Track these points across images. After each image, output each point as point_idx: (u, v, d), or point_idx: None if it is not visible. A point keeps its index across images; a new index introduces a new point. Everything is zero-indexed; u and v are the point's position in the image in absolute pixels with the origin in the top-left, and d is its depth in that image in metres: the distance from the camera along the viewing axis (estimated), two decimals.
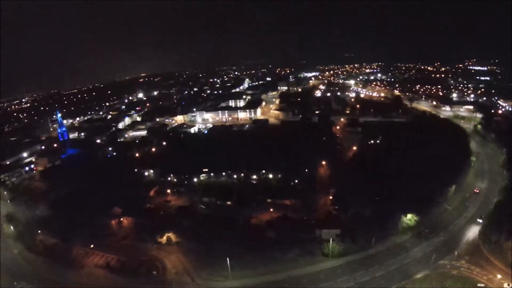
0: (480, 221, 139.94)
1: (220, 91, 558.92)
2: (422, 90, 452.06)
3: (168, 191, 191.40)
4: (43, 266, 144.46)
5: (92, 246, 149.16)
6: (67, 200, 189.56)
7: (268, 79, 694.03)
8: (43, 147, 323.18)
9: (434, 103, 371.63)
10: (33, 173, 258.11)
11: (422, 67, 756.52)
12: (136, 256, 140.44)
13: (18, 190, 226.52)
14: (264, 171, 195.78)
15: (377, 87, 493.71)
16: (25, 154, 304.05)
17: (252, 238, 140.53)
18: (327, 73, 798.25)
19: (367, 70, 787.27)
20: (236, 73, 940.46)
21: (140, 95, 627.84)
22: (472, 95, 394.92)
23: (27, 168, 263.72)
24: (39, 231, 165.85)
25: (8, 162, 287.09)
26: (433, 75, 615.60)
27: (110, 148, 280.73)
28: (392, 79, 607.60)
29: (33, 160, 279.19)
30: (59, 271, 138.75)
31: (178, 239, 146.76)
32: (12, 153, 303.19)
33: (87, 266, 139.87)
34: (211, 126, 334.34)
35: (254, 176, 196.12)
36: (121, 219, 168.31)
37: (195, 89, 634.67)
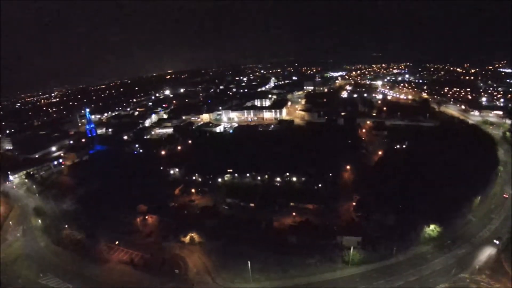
0: (497, 242, 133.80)
1: (245, 90, 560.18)
2: (450, 93, 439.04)
3: (193, 190, 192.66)
4: (69, 259, 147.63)
5: (117, 242, 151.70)
6: (93, 195, 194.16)
7: (294, 78, 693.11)
8: (71, 142, 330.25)
9: (463, 107, 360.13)
10: (61, 168, 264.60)
11: (451, 68, 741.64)
12: (160, 254, 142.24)
13: (46, 184, 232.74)
14: (288, 174, 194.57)
15: (404, 89, 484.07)
16: (53, 148, 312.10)
17: (273, 242, 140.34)
18: (353, 73, 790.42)
19: (395, 71, 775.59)
20: (262, 71, 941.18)
21: (167, 92, 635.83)
22: (502, 100, 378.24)
23: (55, 162, 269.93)
24: (66, 226, 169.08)
25: (37, 156, 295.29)
26: (462, 77, 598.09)
27: (136, 145, 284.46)
28: (420, 81, 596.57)
29: (62, 154, 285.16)
30: (84, 265, 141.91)
31: (201, 239, 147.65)
32: (41, 146, 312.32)
33: (112, 261, 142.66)
34: (236, 125, 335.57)
35: (278, 179, 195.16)
36: (146, 217, 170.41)
37: (221, 87, 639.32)
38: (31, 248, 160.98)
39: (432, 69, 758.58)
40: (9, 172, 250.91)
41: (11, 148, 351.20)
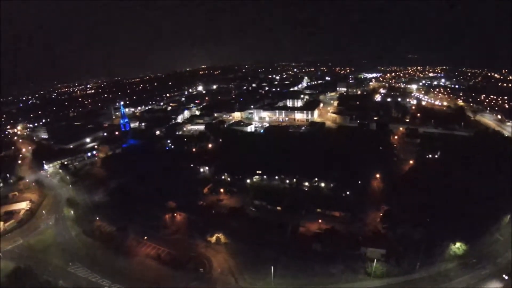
0: (506, 277, 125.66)
1: (278, 89, 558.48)
2: (487, 101, 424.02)
3: (221, 190, 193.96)
4: (98, 250, 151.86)
5: (145, 238, 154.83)
6: (125, 188, 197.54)
7: (327, 78, 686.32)
8: (105, 134, 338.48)
9: (499, 116, 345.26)
10: (95, 159, 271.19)
11: (489, 74, 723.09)
12: (186, 251, 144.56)
13: (80, 175, 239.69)
14: (316, 179, 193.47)
15: (440, 94, 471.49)
16: (87, 140, 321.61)
17: (298, 248, 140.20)
18: (388, 75, 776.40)
19: (431, 74, 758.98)
20: (295, 70, 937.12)
21: (200, 88, 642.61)
22: None
23: (89, 154, 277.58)
24: (97, 218, 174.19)
25: (71, 146, 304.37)
26: (499, 84, 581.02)
27: (168, 141, 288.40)
28: (457, 86, 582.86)
29: (95, 146, 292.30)
30: (113, 257, 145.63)
31: (226, 240, 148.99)
32: (76, 137, 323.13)
33: (140, 255, 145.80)
34: (267, 125, 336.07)
35: (306, 183, 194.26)
36: (175, 214, 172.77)
37: (253, 85, 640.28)
38: (63, 237, 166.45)
39: (469, 74, 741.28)
40: (44, 162, 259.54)
41: (47, 137, 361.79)
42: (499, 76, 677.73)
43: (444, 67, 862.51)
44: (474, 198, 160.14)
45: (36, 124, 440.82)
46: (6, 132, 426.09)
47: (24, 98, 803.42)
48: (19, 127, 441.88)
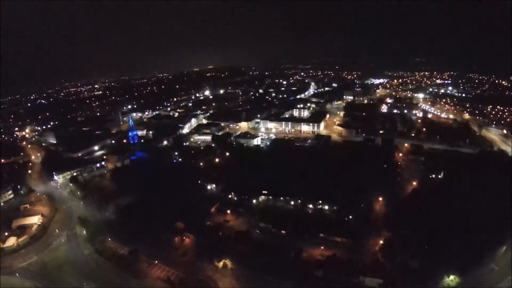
0: None
1: (285, 95, 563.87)
2: (493, 112, 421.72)
3: (228, 211, 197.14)
4: (111, 271, 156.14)
5: (156, 262, 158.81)
6: (134, 206, 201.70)
7: (334, 85, 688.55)
8: (113, 142, 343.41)
9: (504, 131, 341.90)
10: (104, 171, 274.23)
11: (496, 81, 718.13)
12: (194, 274, 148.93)
13: (89, 188, 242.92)
14: (320, 201, 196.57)
15: (446, 105, 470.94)
16: (96, 147, 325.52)
17: (300, 274, 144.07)
18: (395, 81, 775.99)
19: (438, 81, 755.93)
20: (302, 73, 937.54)
21: (207, 92, 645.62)
22: None
23: (98, 165, 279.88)
24: (109, 238, 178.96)
25: (80, 154, 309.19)
26: (507, 93, 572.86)
27: (176, 153, 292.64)
28: (463, 95, 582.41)
29: (104, 157, 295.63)
30: (125, 279, 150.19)
31: (233, 265, 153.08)
32: (84, 145, 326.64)
33: (150, 277, 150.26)
34: (274, 137, 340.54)
35: (311, 205, 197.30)
36: (184, 237, 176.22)
37: (260, 90, 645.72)
38: (75, 255, 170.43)
39: (476, 80, 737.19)
40: (54, 172, 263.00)
41: (55, 142, 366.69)
42: (506, 84, 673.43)
43: (452, 73, 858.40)
44: (473, 225, 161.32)
45: (44, 127, 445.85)
46: (15, 135, 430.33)
47: (32, 97, 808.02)
48: (27, 130, 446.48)
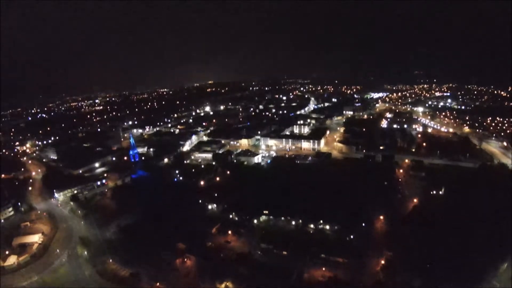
0: None
1: (285, 111, 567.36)
2: (493, 124, 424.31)
3: (229, 232, 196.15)
4: None
5: (158, 284, 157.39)
6: (135, 226, 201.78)
7: (334, 100, 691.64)
8: (113, 158, 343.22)
9: (504, 144, 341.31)
10: (105, 189, 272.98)
11: (495, 92, 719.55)
12: None
13: (90, 207, 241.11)
14: (322, 221, 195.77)
15: (446, 119, 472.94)
16: (96, 164, 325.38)
17: None
18: (394, 94, 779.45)
19: (437, 94, 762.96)
20: (301, 88, 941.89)
21: (207, 108, 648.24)
22: None
23: (98, 183, 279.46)
24: (110, 259, 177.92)
25: (80, 171, 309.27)
26: (506, 103, 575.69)
27: (177, 171, 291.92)
28: (463, 107, 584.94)
29: (105, 175, 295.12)
30: None
31: (235, 287, 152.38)
32: (85, 162, 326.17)
33: None
34: (274, 154, 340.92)
35: (312, 225, 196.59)
36: (185, 259, 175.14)
37: (260, 106, 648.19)
38: (76, 276, 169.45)
39: (475, 92, 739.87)
40: (54, 190, 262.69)
41: (56, 158, 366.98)
42: (505, 94, 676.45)
43: (451, 84, 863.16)
44: (475, 242, 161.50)
45: (45, 142, 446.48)
46: (15, 150, 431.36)
47: (33, 111, 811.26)
48: (28, 145, 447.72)
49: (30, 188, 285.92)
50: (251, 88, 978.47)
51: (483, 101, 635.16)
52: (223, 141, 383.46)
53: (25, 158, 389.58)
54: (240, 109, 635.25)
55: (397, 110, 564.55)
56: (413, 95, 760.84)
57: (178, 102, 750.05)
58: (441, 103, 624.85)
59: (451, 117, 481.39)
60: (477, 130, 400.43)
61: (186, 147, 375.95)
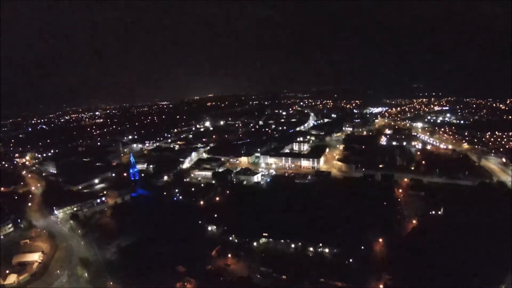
0: None
1: (284, 127, 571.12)
2: (492, 139, 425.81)
3: (229, 255, 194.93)
4: None
5: None
6: (135, 248, 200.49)
7: (333, 115, 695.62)
8: (113, 175, 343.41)
9: (503, 160, 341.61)
10: (104, 207, 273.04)
11: (494, 105, 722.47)
12: None
13: (90, 225, 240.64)
14: (321, 244, 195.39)
15: (445, 135, 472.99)
16: (96, 181, 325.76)
17: None
18: (394, 109, 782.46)
19: (436, 108, 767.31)
20: (301, 103, 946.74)
21: (207, 123, 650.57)
22: None
23: (98, 201, 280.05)
24: (111, 282, 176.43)
25: (80, 187, 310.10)
26: (504, 117, 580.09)
27: (176, 190, 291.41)
28: (462, 121, 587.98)
29: (105, 192, 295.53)
30: None
31: None
32: (85, 178, 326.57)
33: None
34: (274, 173, 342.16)
35: (311, 248, 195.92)
36: (186, 283, 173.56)
37: (260, 122, 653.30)
38: None
39: (474, 105, 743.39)
40: (54, 207, 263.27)
41: (55, 172, 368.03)
42: (504, 107, 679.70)
43: (450, 98, 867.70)
44: (474, 262, 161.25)
45: (44, 155, 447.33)
46: (15, 162, 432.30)
47: (33, 122, 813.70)
48: (27, 157, 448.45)
49: (29, 204, 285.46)
50: (251, 102, 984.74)
51: (482, 114, 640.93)
52: (222, 159, 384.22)
53: (24, 171, 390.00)
54: (240, 125, 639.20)
55: (396, 127, 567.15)
56: (412, 110, 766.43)
57: (178, 117, 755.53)
58: (440, 118, 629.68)
59: (450, 132, 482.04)
60: (476, 146, 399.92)
61: (186, 164, 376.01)
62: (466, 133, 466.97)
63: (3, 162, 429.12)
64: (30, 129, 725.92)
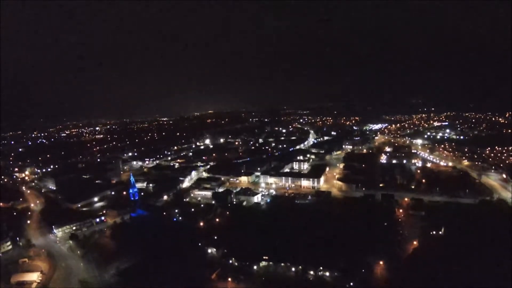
0: None
1: (284, 145, 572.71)
2: (492, 155, 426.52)
3: (229, 278, 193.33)
4: None
5: None
6: (135, 271, 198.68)
7: (333, 133, 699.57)
8: (112, 193, 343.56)
9: (504, 176, 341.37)
10: (103, 227, 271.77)
11: (493, 119, 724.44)
12: None
13: (89, 245, 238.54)
14: (321, 268, 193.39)
15: (445, 152, 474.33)
16: (95, 199, 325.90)
17: None
18: (393, 126, 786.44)
19: (435, 123, 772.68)
20: (301, 120, 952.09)
21: (207, 141, 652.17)
22: None
23: (98, 220, 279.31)
24: None
25: (79, 205, 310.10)
26: (504, 131, 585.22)
27: (176, 210, 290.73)
28: (461, 137, 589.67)
29: (104, 211, 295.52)
30: None
31: None
32: (84, 196, 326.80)
33: None
34: (274, 192, 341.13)
35: (311, 272, 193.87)
36: None
37: (260, 140, 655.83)
38: None
39: (473, 120, 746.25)
40: (53, 226, 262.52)
41: (54, 189, 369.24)
42: (503, 121, 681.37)
43: (449, 113, 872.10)
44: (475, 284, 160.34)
45: (44, 171, 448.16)
46: (14, 177, 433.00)
47: (33, 135, 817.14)
48: (27, 172, 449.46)
49: (28, 221, 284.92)
50: (250, 119, 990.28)
51: (481, 129, 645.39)
52: (222, 178, 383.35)
53: (24, 187, 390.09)
54: (240, 143, 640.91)
55: (396, 144, 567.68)
56: (412, 126, 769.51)
57: (178, 134, 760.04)
58: (440, 134, 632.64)
59: (450, 149, 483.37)
60: (476, 163, 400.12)
61: (186, 183, 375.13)
62: (466, 149, 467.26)
63: (3, 177, 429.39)
64: (30, 143, 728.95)
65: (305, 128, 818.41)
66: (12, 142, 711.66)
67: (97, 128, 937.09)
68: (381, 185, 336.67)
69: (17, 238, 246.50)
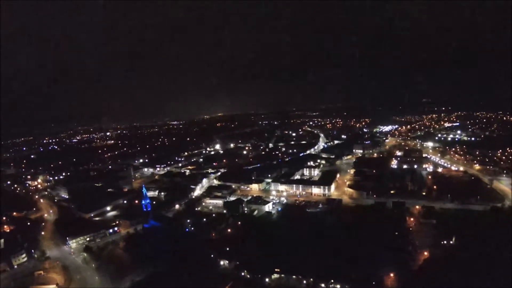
0: None
1: (295, 150, 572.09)
2: (503, 157, 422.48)
3: None
4: None
5: None
6: (148, 283, 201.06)
7: (343, 136, 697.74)
8: (125, 202, 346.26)
9: None
10: (117, 237, 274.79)
11: (504, 118, 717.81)
12: None
13: (103, 257, 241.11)
14: (332, 280, 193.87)
15: (456, 155, 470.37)
16: (108, 208, 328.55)
17: None
18: (403, 127, 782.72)
19: (446, 124, 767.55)
20: (310, 122, 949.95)
21: (217, 146, 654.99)
22: None
23: (111, 230, 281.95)
24: None
25: (92, 214, 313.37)
26: None
27: (188, 220, 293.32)
28: (473, 138, 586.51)
29: (117, 222, 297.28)
30: None
31: None
32: (97, 205, 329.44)
33: None
34: (285, 200, 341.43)
35: (323, 285, 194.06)
36: None
37: (270, 145, 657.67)
38: None
39: (484, 120, 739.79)
40: (67, 237, 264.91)
41: (67, 198, 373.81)
42: None
43: (459, 113, 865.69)
44: None
45: (56, 178, 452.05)
46: (27, 185, 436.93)
47: (44, 141, 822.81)
48: (39, 180, 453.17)
49: (42, 232, 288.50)
50: (260, 122, 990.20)
51: (493, 129, 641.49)
52: (233, 186, 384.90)
53: (36, 196, 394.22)
54: (250, 147, 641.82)
55: (406, 147, 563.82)
56: (422, 127, 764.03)
57: (188, 139, 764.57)
58: (451, 135, 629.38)
59: (461, 152, 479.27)
60: (488, 167, 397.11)
61: (197, 191, 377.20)
62: (477, 152, 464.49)
63: (16, 185, 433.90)
64: (41, 149, 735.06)
65: (315, 131, 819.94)
66: (24, 149, 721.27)
67: (108, 133, 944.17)
68: (392, 192, 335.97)
69: (32, 250, 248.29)
